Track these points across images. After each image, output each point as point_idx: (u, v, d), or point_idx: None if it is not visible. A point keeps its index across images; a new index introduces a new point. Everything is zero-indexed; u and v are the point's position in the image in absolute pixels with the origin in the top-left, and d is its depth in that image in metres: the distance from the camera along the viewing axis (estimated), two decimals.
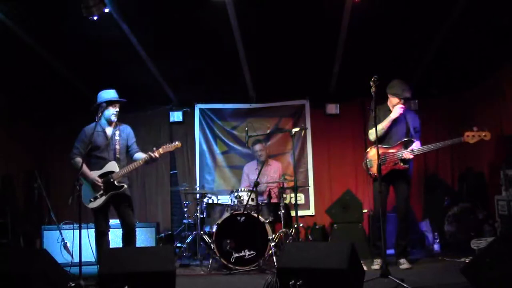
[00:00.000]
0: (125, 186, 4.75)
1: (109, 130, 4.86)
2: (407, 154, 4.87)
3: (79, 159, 4.69)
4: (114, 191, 4.69)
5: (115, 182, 4.70)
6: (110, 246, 5.01)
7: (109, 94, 4.84)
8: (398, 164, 4.96)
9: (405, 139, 5.02)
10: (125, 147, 4.91)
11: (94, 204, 4.69)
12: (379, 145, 5.09)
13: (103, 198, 4.68)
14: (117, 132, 4.85)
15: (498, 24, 5.19)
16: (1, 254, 3.92)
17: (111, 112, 4.81)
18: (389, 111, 5.13)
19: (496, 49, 5.67)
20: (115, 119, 4.85)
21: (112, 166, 4.75)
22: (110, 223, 4.94)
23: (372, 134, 5.15)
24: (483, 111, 6.38)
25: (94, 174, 4.72)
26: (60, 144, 7.19)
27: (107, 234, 4.86)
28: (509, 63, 5.74)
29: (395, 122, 5.10)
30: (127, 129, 4.97)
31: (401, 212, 5.13)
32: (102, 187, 4.68)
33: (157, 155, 4.72)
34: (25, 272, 3.57)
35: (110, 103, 4.79)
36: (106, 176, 4.72)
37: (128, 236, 4.84)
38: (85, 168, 4.68)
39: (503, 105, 5.91)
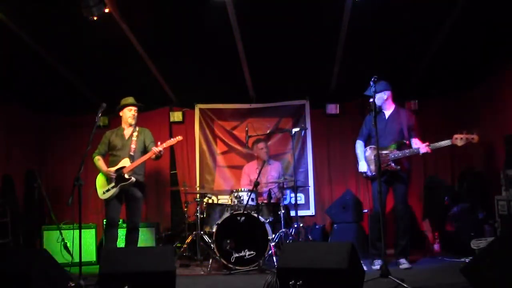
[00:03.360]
0: (133, 179, 5.06)
1: (127, 132, 5.32)
2: (423, 148, 4.86)
3: (98, 157, 5.28)
4: (123, 182, 5.05)
5: (125, 175, 5.06)
6: (117, 241, 5.23)
7: (126, 100, 5.35)
8: (390, 165, 4.96)
9: (398, 141, 5.02)
10: (142, 147, 5.28)
11: (106, 196, 5.09)
12: (373, 146, 5.23)
13: (114, 189, 5.06)
14: (135, 134, 5.29)
15: (498, 24, 5.19)
16: (1, 254, 3.92)
17: (127, 115, 5.30)
18: (381, 112, 5.18)
19: (496, 49, 5.67)
20: (133, 122, 5.31)
21: (125, 161, 5.14)
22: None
23: (356, 147, 5.35)
24: (483, 111, 6.38)
25: (110, 169, 5.14)
26: (60, 144, 7.20)
27: (115, 228, 5.13)
28: (509, 63, 5.74)
29: (389, 122, 5.12)
30: (145, 131, 5.41)
31: (399, 213, 5.15)
32: (114, 179, 5.06)
33: (160, 149, 5.06)
34: (25, 272, 3.57)
35: (126, 107, 5.32)
36: (119, 170, 5.10)
37: (130, 234, 5.16)
38: (101, 164, 5.25)
39: (503, 105, 5.91)
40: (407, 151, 4.95)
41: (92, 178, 5.28)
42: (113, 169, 5.10)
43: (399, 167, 4.98)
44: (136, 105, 5.34)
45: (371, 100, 4.93)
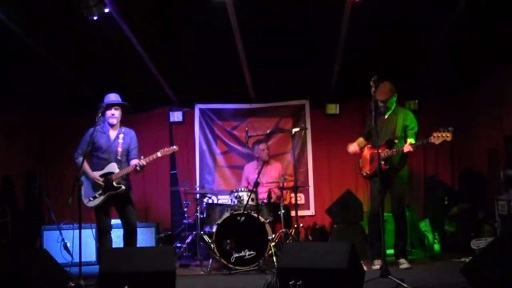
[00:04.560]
0: (123, 187, 4.80)
1: (112, 133, 4.95)
2: (407, 147, 4.88)
3: (80, 159, 4.76)
4: (112, 191, 4.77)
5: (114, 183, 4.77)
6: (112, 245, 5.06)
7: (108, 97, 4.94)
8: (382, 164, 4.97)
9: (389, 139, 5.03)
10: (127, 150, 4.97)
11: (92, 203, 4.77)
12: (369, 146, 5.30)
13: (102, 197, 4.77)
14: (121, 135, 4.94)
15: (498, 24, 5.19)
16: (1, 254, 3.92)
17: (108, 115, 4.89)
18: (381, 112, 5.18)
19: (496, 49, 5.67)
20: (114, 122, 4.93)
21: (113, 167, 4.82)
22: (111, 222, 4.99)
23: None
24: (483, 111, 6.38)
25: (96, 174, 4.80)
26: (60, 144, 7.19)
27: (109, 233, 4.91)
28: (509, 63, 5.74)
29: (386, 122, 5.13)
30: (131, 133, 5.04)
31: (396, 213, 5.15)
32: (102, 187, 4.75)
33: (143, 163, 4.75)
34: (25, 272, 3.57)
35: (108, 106, 4.87)
36: (106, 176, 4.79)
37: (129, 236, 4.92)
38: (86, 167, 4.80)
39: (503, 105, 5.91)
40: (394, 150, 4.96)
41: None
42: (99, 175, 4.78)
43: (388, 166, 4.98)
44: (118, 105, 4.90)
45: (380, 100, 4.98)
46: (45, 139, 7.24)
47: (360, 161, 5.34)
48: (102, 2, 4.55)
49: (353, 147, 5.33)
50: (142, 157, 4.81)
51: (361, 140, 5.41)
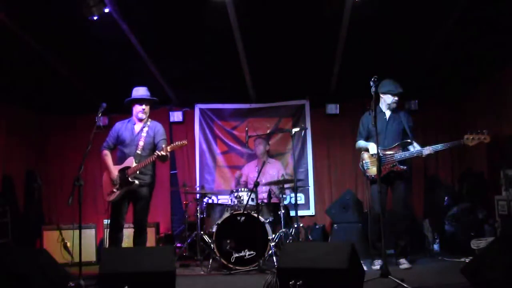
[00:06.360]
0: (136, 182, 4.74)
1: (138, 126, 4.96)
2: (426, 151, 4.86)
3: (105, 152, 4.89)
4: (127, 186, 4.74)
5: (129, 178, 4.74)
6: (122, 244, 5.03)
7: (137, 92, 4.98)
8: (397, 166, 4.95)
9: (404, 141, 5.02)
10: (150, 144, 4.92)
11: (110, 198, 4.79)
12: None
13: (118, 192, 4.76)
14: (145, 129, 4.92)
15: (499, 24, 5.19)
16: (1, 254, 3.92)
17: (138, 109, 4.93)
18: (382, 113, 5.15)
19: (497, 50, 5.67)
20: (144, 117, 4.95)
21: (129, 161, 4.80)
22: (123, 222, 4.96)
23: (357, 145, 5.28)
24: (483, 111, 6.38)
25: (115, 169, 4.81)
26: (60, 144, 7.20)
27: (119, 232, 4.87)
28: (509, 64, 5.74)
29: (390, 123, 5.12)
30: (156, 127, 5.00)
31: (399, 213, 5.13)
32: (118, 182, 4.76)
33: (163, 153, 4.68)
34: (25, 272, 3.57)
35: (135, 101, 4.93)
36: (123, 171, 4.78)
37: (138, 234, 4.89)
38: (109, 161, 4.88)
39: (503, 106, 5.91)
40: (414, 151, 4.94)
41: (91, 178, 5.24)
42: (118, 169, 4.77)
43: (405, 167, 4.97)
44: (147, 101, 4.95)
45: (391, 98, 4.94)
46: (45, 139, 7.25)
47: (363, 163, 5.16)
48: (102, 2, 4.55)
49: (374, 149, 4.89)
50: (163, 146, 4.72)
51: (365, 143, 5.23)
